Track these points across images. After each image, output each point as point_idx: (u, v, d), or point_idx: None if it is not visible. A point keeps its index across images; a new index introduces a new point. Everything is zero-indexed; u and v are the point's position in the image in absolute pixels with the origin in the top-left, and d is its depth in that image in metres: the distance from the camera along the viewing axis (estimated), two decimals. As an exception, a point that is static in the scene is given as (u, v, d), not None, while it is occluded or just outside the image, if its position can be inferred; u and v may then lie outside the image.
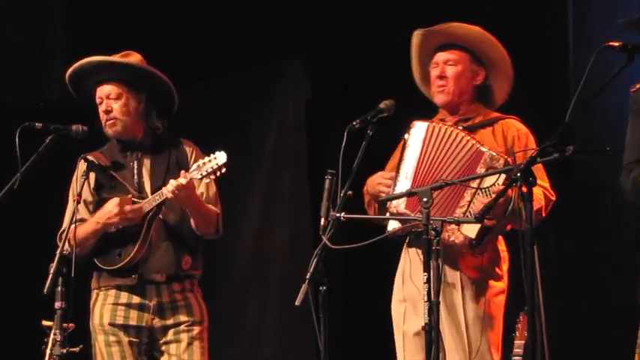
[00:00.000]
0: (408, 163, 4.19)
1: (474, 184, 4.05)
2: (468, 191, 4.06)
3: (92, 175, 4.66)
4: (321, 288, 3.87)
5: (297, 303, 3.79)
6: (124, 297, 4.60)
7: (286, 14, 6.47)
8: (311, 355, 5.89)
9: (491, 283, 4.18)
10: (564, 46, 5.51)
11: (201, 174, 4.45)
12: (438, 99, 4.33)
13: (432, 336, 3.73)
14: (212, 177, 4.47)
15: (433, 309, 3.73)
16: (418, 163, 4.17)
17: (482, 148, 4.09)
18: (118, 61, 4.67)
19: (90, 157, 4.65)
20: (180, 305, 4.62)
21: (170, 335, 4.61)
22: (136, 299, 4.59)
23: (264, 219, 6.69)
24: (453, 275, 4.15)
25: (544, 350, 3.45)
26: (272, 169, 6.66)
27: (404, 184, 4.16)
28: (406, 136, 4.23)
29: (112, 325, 4.59)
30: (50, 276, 4.20)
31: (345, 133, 3.98)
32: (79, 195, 4.54)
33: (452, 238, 4.03)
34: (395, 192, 4.13)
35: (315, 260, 3.85)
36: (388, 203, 4.15)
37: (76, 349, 4.21)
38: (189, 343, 4.61)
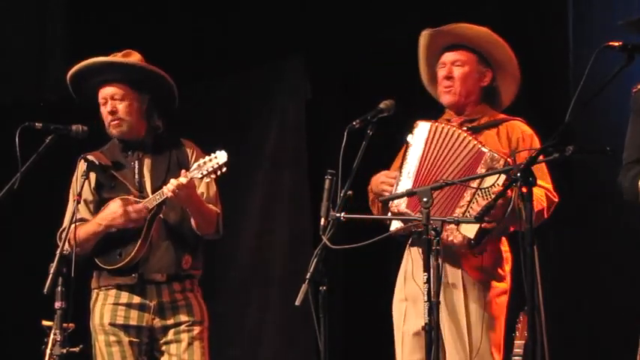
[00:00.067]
0: (410, 162, 4.19)
1: (474, 184, 4.05)
2: (467, 191, 4.06)
3: (92, 175, 4.67)
4: (321, 288, 3.87)
5: (297, 303, 3.79)
6: (125, 297, 4.60)
7: (286, 14, 6.47)
8: (311, 355, 5.89)
9: (494, 283, 4.17)
10: (564, 46, 5.51)
11: (201, 173, 4.45)
12: (445, 99, 4.34)
13: (432, 336, 3.73)
14: (212, 176, 4.47)
15: (433, 309, 3.73)
16: (420, 162, 4.17)
17: (484, 149, 4.09)
18: (124, 61, 4.67)
19: (90, 157, 4.65)
20: (181, 305, 4.62)
21: (170, 335, 4.61)
22: (136, 299, 4.59)
23: (264, 219, 6.69)
24: (455, 275, 4.15)
25: (544, 350, 3.45)
26: (272, 169, 6.66)
27: (406, 183, 4.16)
28: (409, 136, 4.23)
29: (112, 325, 4.59)
30: (50, 276, 4.20)
31: (345, 133, 3.98)
32: (79, 195, 4.54)
33: (450, 238, 4.03)
34: (397, 191, 4.13)
35: (315, 260, 3.85)
36: (390, 202, 4.15)
37: (76, 349, 4.21)
38: (190, 343, 4.61)
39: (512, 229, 4.15)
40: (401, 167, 4.21)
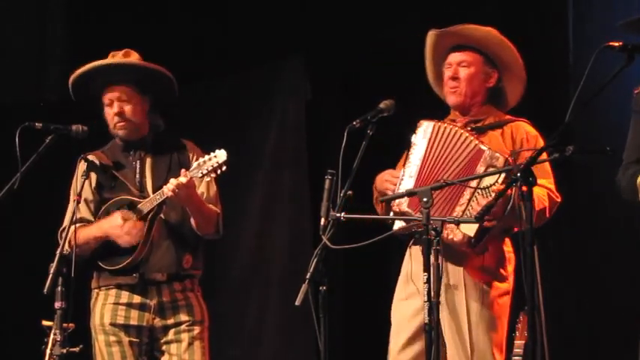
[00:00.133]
0: (413, 162, 4.20)
1: (474, 183, 4.05)
2: (467, 190, 4.07)
3: (93, 175, 4.67)
4: (321, 288, 3.87)
5: (297, 303, 3.79)
6: (125, 296, 4.60)
7: (286, 14, 6.47)
8: (311, 355, 5.89)
9: (496, 284, 4.17)
10: (564, 46, 5.51)
11: (201, 172, 4.45)
12: (450, 100, 4.34)
13: (432, 336, 3.73)
14: (212, 175, 4.47)
15: (433, 309, 3.73)
16: (422, 162, 4.18)
17: (483, 147, 4.10)
18: (131, 63, 4.68)
19: (90, 157, 4.66)
20: (181, 305, 4.63)
21: (171, 335, 4.61)
22: (136, 299, 4.59)
23: (264, 219, 6.69)
24: (456, 275, 4.15)
25: (544, 350, 3.45)
26: (272, 169, 6.66)
27: (408, 182, 4.17)
28: (413, 135, 4.24)
29: (112, 325, 4.59)
30: (50, 276, 4.21)
31: (345, 133, 3.98)
32: (79, 195, 4.54)
33: (450, 236, 4.03)
34: (399, 190, 4.14)
35: (315, 260, 3.85)
36: (392, 201, 4.16)
37: (76, 349, 4.21)
38: (190, 343, 4.61)
39: (515, 229, 4.14)
40: (404, 166, 4.22)
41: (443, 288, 4.05)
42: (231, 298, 6.62)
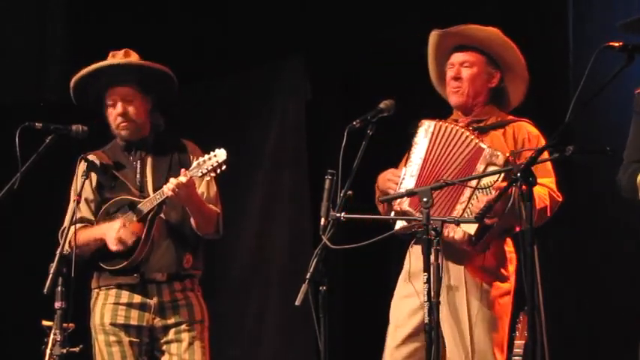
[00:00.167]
0: (414, 161, 4.21)
1: (474, 182, 4.05)
2: (468, 188, 4.06)
3: (94, 175, 4.67)
4: (321, 288, 3.87)
5: (297, 303, 3.79)
6: (125, 296, 4.60)
7: (286, 14, 6.47)
8: (311, 355, 5.89)
9: (497, 284, 4.17)
10: (564, 46, 5.51)
11: (201, 172, 4.45)
12: (453, 100, 4.34)
13: (432, 336, 3.73)
14: (212, 174, 4.47)
15: (433, 309, 3.73)
16: (424, 161, 4.18)
17: (482, 145, 4.10)
18: (135, 63, 4.68)
19: (90, 157, 4.66)
20: (182, 305, 4.63)
21: (171, 335, 4.61)
22: (137, 298, 4.59)
23: (264, 219, 6.69)
24: (457, 275, 4.14)
25: (544, 350, 3.45)
26: (272, 169, 6.66)
27: (409, 181, 4.17)
28: (415, 135, 4.24)
29: (113, 324, 4.59)
30: (50, 276, 4.20)
31: (345, 133, 3.98)
32: (79, 195, 4.54)
33: (451, 234, 4.03)
34: (401, 189, 4.14)
35: (315, 260, 3.85)
36: (393, 201, 4.16)
37: (76, 349, 4.21)
38: (190, 343, 4.61)
39: (517, 229, 4.14)
40: (405, 165, 4.22)
41: (444, 288, 4.06)
42: (231, 298, 6.62)
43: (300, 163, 6.50)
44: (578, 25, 5.51)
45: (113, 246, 4.51)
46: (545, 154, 3.65)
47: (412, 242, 4.27)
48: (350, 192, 3.94)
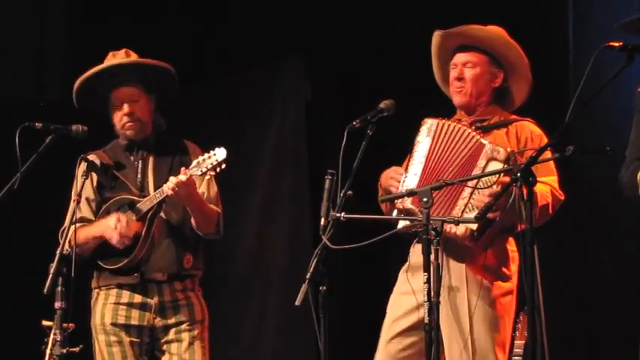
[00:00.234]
0: (417, 159, 4.20)
1: (474, 182, 4.05)
2: (469, 183, 4.06)
3: (94, 174, 4.67)
4: (321, 288, 3.87)
5: (297, 303, 3.79)
6: (126, 296, 4.60)
7: (286, 14, 6.48)
8: (311, 355, 5.89)
9: (499, 283, 4.15)
10: (564, 46, 5.51)
11: (201, 170, 4.45)
12: (456, 100, 4.35)
13: (432, 336, 3.73)
14: (212, 173, 4.47)
15: (433, 309, 3.73)
16: (427, 159, 4.18)
17: (483, 141, 4.11)
18: (142, 62, 4.68)
19: (90, 157, 4.66)
20: (182, 304, 4.63)
21: (171, 334, 4.61)
22: (137, 298, 4.60)
23: (264, 219, 6.69)
24: (458, 274, 4.14)
25: (544, 350, 3.45)
26: (272, 169, 6.66)
27: (412, 180, 4.17)
28: (417, 133, 4.24)
29: (113, 324, 4.59)
30: (50, 276, 4.20)
31: (345, 133, 3.98)
32: (79, 195, 4.54)
33: (453, 230, 4.02)
34: (403, 188, 4.14)
35: (315, 260, 3.85)
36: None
37: (76, 349, 4.21)
38: (191, 343, 4.61)
39: (519, 227, 4.14)
40: (408, 164, 4.23)
41: (445, 287, 4.06)
42: (231, 298, 6.62)
43: (300, 163, 6.50)
44: (578, 25, 5.51)
45: (114, 241, 4.51)
46: (548, 154, 3.65)
47: (415, 241, 4.27)
48: (350, 192, 3.94)
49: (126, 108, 4.64)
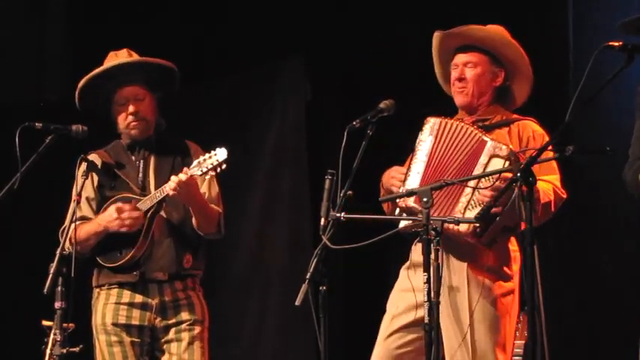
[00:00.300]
0: (419, 158, 4.21)
1: (474, 182, 4.05)
2: (470, 183, 4.06)
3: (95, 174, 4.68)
4: (321, 288, 3.87)
5: (297, 303, 3.79)
6: (127, 296, 4.60)
7: (286, 14, 6.48)
8: (311, 355, 5.89)
9: (500, 283, 4.15)
10: (564, 46, 5.51)
11: (201, 170, 4.45)
12: (458, 100, 4.35)
13: (431, 336, 3.73)
14: (212, 173, 4.47)
15: (433, 309, 3.73)
16: (429, 158, 4.19)
17: (485, 138, 4.11)
18: (147, 61, 4.69)
19: (90, 157, 4.66)
20: (183, 304, 4.63)
21: (171, 334, 4.61)
22: (138, 298, 4.60)
23: (264, 219, 6.68)
24: (460, 273, 4.13)
25: (544, 350, 3.45)
26: (272, 169, 6.66)
27: (415, 179, 4.17)
28: (420, 132, 4.24)
29: (114, 325, 4.59)
30: (50, 276, 4.21)
31: (345, 133, 3.98)
32: (79, 195, 4.54)
33: (456, 227, 4.02)
34: (406, 187, 4.14)
35: (315, 260, 3.85)
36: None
37: (76, 349, 4.21)
38: (190, 343, 4.61)
39: (523, 226, 4.13)
40: (410, 163, 4.23)
41: (445, 287, 4.06)
42: (231, 298, 6.62)
43: (300, 163, 6.50)
44: (578, 25, 5.51)
45: (124, 228, 4.50)
46: (549, 153, 3.65)
47: (416, 240, 4.26)
48: (350, 192, 3.94)
49: (131, 107, 4.65)
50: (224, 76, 6.79)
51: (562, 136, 3.51)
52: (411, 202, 4.11)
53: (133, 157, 4.73)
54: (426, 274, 3.77)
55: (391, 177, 4.26)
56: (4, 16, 6.98)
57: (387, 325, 4.25)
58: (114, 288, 4.62)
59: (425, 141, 4.22)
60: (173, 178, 4.47)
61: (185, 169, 4.49)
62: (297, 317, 5.82)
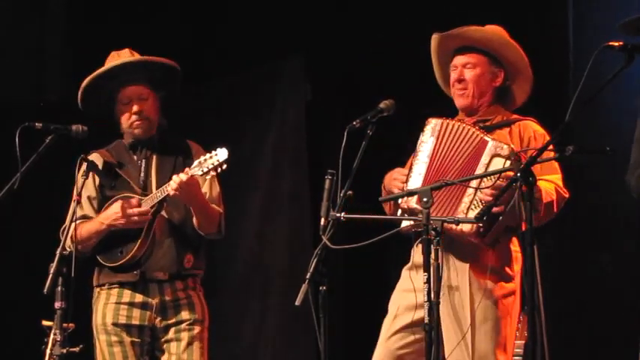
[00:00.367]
0: (421, 159, 4.21)
1: (477, 177, 4.05)
2: (473, 180, 4.06)
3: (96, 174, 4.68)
4: (321, 288, 3.87)
5: (297, 303, 3.79)
6: (127, 295, 4.60)
7: (286, 14, 6.48)
8: (311, 355, 5.89)
9: (502, 283, 4.15)
10: (564, 46, 5.51)
11: (202, 170, 4.45)
12: (459, 102, 4.35)
13: (431, 336, 3.73)
14: (213, 173, 4.47)
15: (433, 309, 3.73)
16: (431, 159, 4.19)
17: (486, 138, 4.11)
18: (152, 60, 4.69)
19: (92, 156, 4.67)
20: (183, 303, 4.63)
21: (171, 333, 4.61)
22: (138, 297, 4.60)
23: (264, 219, 6.69)
24: (462, 274, 4.13)
25: (544, 350, 3.45)
26: (272, 169, 6.66)
27: (417, 180, 4.17)
28: (421, 133, 4.24)
29: (115, 325, 4.59)
30: (50, 276, 4.20)
31: (345, 133, 3.98)
32: (79, 195, 4.54)
33: (459, 227, 4.02)
34: (407, 188, 4.14)
35: (315, 260, 3.85)
36: (399, 199, 4.16)
37: (76, 349, 4.21)
38: (190, 343, 4.61)
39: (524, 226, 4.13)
40: (412, 164, 4.23)
41: (446, 287, 4.06)
42: (231, 298, 6.62)
43: (300, 163, 6.50)
44: (578, 25, 5.51)
45: (131, 224, 4.51)
46: (550, 153, 3.65)
47: (418, 241, 4.26)
48: (350, 192, 3.94)
49: (135, 107, 4.65)
50: (224, 76, 6.79)
51: (562, 136, 3.51)
52: (413, 203, 4.11)
53: (135, 157, 4.73)
54: (426, 274, 3.77)
55: (393, 179, 4.26)
56: (4, 16, 6.98)
57: (388, 326, 4.25)
58: (114, 287, 4.62)
59: (426, 142, 4.22)
60: (174, 177, 4.47)
61: (186, 169, 4.49)
62: (297, 317, 5.83)
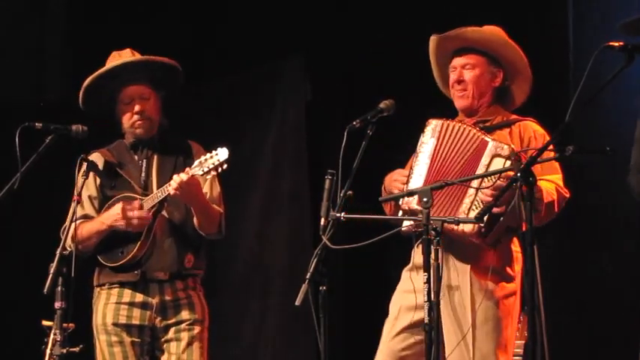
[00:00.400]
0: (422, 160, 4.21)
1: (478, 177, 4.05)
2: (474, 181, 4.06)
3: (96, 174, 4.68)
4: (321, 288, 3.87)
5: (297, 303, 3.79)
6: (127, 295, 4.60)
7: (286, 14, 6.48)
8: (311, 355, 5.89)
9: (503, 284, 4.15)
10: (564, 46, 5.51)
11: (202, 170, 4.45)
12: (459, 103, 4.35)
13: (431, 336, 3.73)
14: (213, 173, 4.47)
15: (433, 309, 3.73)
16: (432, 160, 4.18)
17: (487, 138, 4.11)
18: (155, 59, 4.69)
19: (92, 156, 4.67)
20: (183, 303, 4.63)
21: (171, 333, 4.61)
22: (139, 297, 4.60)
23: (264, 219, 6.69)
24: (462, 275, 4.13)
25: (544, 350, 3.45)
26: (272, 169, 6.66)
27: (417, 181, 4.17)
28: (422, 134, 4.24)
29: (115, 325, 4.59)
30: (50, 276, 4.20)
31: (345, 133, 3.98)
32: (79, 195, 4.54)
33: (461, 227, 4.02)
34: (409, 189, 4.13)
35: (315, 260, 3.85)
36: (400, 200, 4.16)
37: (76, 349, 4.21)
38: (189, 343, 4.61)
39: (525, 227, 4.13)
40: (413, 165, 4.22)
41: (447, 288, 4.06)
42: (231, 298, 6.62)
43: (300, 163, 6.50)
44: (578, 25, 5.51)
45: (133, 227, 4.50)
46: (550, 153, 3.65)
47: (419, 241, 4.26)
48: (350, 192, 3.94)
49: (137, 106, 4.65)
50: (224, 76, 6.79)
51: (562, 136, 3.51)
52: (414, 204, 4.11)
53: (136, 157, 4.73)
54: (426, 274, 3.77)
55: (393, 180, 4.26)
56: (4, 16, 6.98)
57: (390, 327, 4.25)
58: (115, 287, 4.62)
59: (427, 143, 4.22)
60: (175, 177, 4.47)
61: (187, 168, 4.49)
62: (297, 317, 5.83)
